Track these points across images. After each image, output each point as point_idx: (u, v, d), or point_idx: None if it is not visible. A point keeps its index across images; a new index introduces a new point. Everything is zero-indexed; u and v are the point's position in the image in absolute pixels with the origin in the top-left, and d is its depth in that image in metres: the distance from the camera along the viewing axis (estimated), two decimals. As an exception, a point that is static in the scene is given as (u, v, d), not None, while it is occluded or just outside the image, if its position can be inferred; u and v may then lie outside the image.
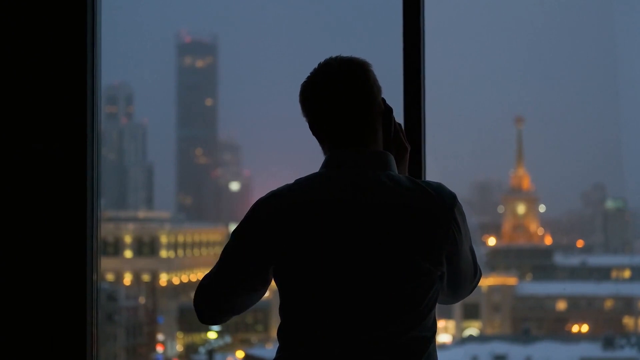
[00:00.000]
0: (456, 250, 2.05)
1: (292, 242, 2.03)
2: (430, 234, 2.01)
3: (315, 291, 2.01)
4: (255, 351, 45.90)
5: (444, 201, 2.04)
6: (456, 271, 2.08)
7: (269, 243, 2.05)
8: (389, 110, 2.15)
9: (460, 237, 2.05)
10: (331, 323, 1.99)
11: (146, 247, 56.75)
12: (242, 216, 2.13)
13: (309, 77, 2.12)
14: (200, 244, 59.08)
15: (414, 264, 2.00)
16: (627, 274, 59.10)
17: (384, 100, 2.14)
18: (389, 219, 2.00)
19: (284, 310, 2.05)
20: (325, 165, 2.10)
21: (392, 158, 2.10)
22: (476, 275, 2.16)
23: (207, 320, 2.15)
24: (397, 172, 2.10)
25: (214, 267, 2.12)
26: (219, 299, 2.11)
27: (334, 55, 2.14)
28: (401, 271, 1.99)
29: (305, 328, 2.02)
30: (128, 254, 56.41)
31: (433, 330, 2.04)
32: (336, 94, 2.08)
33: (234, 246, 2.09)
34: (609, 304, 55.99)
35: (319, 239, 2.01)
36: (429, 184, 2.07)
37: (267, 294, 2.18)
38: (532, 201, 71.05)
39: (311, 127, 2.13)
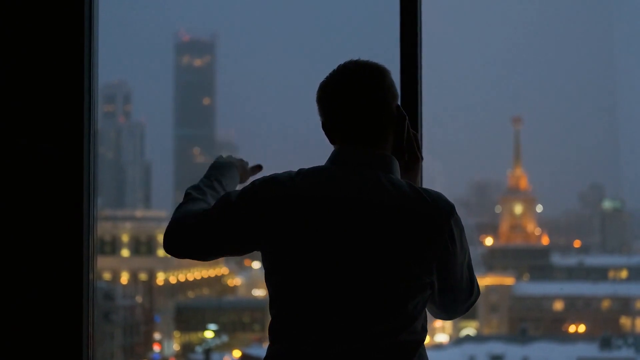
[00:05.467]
0: (448, 261, 2.05)
1: (283, 237, 2.04)
2: (423, 240, 2.02)
3: (307, 288, 2.02)
4: (252, 350, 45.90)
5: (440, 209, 2.04)
6: (448, 284, 2.07)
7: (260, 230, 2.06)
8: (402, 117, 2.15)
9: (455, 249, 2.05)
10: (323, 320, 2.00)
11: (143, 246, 56.77)
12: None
13: (326, 78, 2.15)
14: (197, 243, 58.94)
15: (404, 267, 2.00)
16: (624, 274, 59.21)
17: (398, 107, 2.15)
18: (384, 220, 2.01)
19: (275, 306, 2.06)
20: (330, 160, 2.12)
21: (396, 163, 2.11)
22: (472, 295, 2.14)
23: (171, 254, 2.17)
24: (399, 178, 2.10)
25: (200, 221, 2.12)
26: (193, 249, 2.15)
27: (354, 58, 2.16)
28: (392, 273, 2.00)
29: (297, 325, 2.02)
30: (125, 252, 56.44)
31: (422, 336, 2.04)
32: (349, 96, 2.10)
33: (225, 218, 2.09)
34: (606, 304, 56.09)
35: (313, 235, 2.02)
36: (428, 191, 2.07)
37: (263, 294, 2.20)
38: (529, 201, 71.15)
39: (323, 126, 2.16)
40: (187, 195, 2.23)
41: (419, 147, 2.23)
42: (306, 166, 2.11)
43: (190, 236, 2.14)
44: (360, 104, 2.10)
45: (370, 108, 2.10)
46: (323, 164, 2.13)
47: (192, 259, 2.18)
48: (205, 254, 2.15)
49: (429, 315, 2.13)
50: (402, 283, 2.00)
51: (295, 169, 2.11)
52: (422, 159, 2.23)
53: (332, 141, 2.15)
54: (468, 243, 2.13)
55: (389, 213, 2.01)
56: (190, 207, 2.17)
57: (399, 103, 2.16)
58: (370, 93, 2.11)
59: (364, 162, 2.08)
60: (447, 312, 2.15)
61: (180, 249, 2.16)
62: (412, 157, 2.20)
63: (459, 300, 2.12)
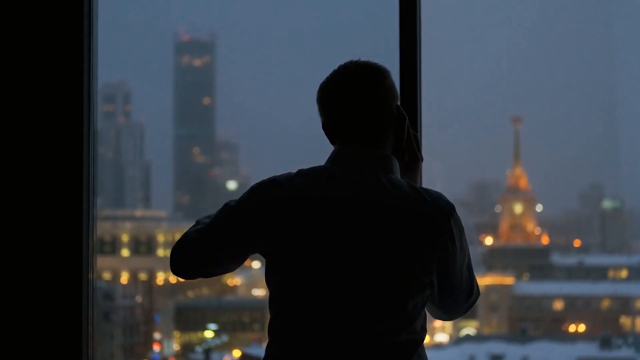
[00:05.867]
0: (448, 261, 2.05)
1: (282, 237, 2.04)
2: (423, 240, 2.02)
3: (307, 288, 2.02)
4: (252, 350, 45.89)
5: (440, 210, 2.04)
6: (448, 285, 2.08)
7: (258, 238, 2.06)
8: (402, 117, 2.16)
9: (454, 249, 2.05)
10: (323, 320, 2.00)
11: (143, 246, 56.77)
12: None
13: (327, 78, 2.16)
14: (197, 243, 58.93)
15: (404, 267, 2.00)
16: (624, 273, 59.20)
17: (398, 107, 2.16)
18: (384, 220, 2.01)
19: (275, 305, 2.06)
20: (330, 160, 2.12)
21: (396, 163, 2.12)
22: (471, 295, 2.15)
23: (177, 274, 2.18)
24: (399, 178, 2.10)
25: (202, 231, 2.13)
26: (196, 261, 2.15)
27: (354, 59, 2.17)
28: (392, 273, 2.00)
29: (296, 325, 2.03)
30: (125, 252, 56.44)
31: (422, 336, 2.05)
32: (349, 96, 2.11)
33: (221, 230, 2.11)
34: (606, 303, 56.07)
35: (310, 236, 2.02)
36: (428, 191, 2.07)
37: (263, 294, 2.19)
38: (529, 201, 71.12)
39: (324, 127, 2.16)
40: (196, 222, 2.24)
41: (419, 148, 2.23)
42: (306, 166, 2.11)
43: (193, 248, 2.14)
44: (360, 104, 2.10)
45: (371, 108, 2.11)
46: (323, 164, 2.13)
47: (196, 274, 2.17)
48: (207, 265, 2.15)
49: (428, 315, 2.14)
50: (402, 283, 2.00)
51: (295, 169, 2.11)
52: (422, 159, 2.24)
53: (332, 141, 2.16)
54: (468, 243, 2.13)
55: (389, 213, 2.01)
56: (196, 227, 2.18)
57: (399, 103, 2.17)
58: (371, 93, 2.11)
59: (364, 162, 2.08)
60: (446, 313, 2.15)
61: (184, 265, 2.16)
62: (412, 157, 2.20)
63: (458, 300, 2.13)
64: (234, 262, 2.15)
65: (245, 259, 2.14)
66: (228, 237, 2.10)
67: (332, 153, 2.13)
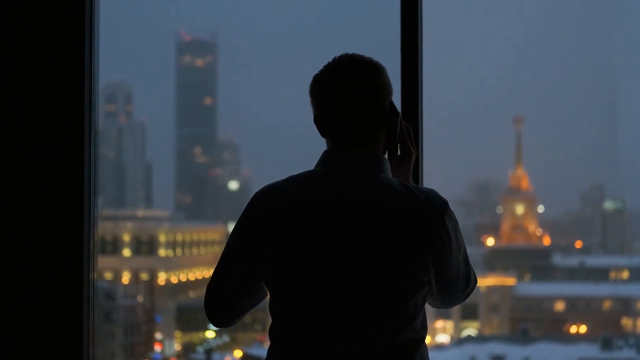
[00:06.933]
0: (445, 257, 2.05)
1: (283, 241, 2.04)
2: (418, 238, 2.02)
3: (306, 289, 2.02)
4: (253, 350, 45.89)
5: (433, 207, 2.04)
6: (446, 279, 2.08)
7: (262, 242, 2.06)
8: (395, 113, 2.16)
9: (450, 245, 2.05)
10: (323, 321, 2.00)
11: (145, 246, 56.76)
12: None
13: (320, 71, 2.15)
14: (198, 243, 59.12)
15: (401, 266, 2.01)
16: (625, 274, 59.17)
17: (391, 103, 2.15)
18: (378, 220, 2.01)
19: (275, 307, 2.06)
20: (320, 162, 2.12)
21: (387, 161, 2.12)
22: (469, 285, 2.16)
23: (217, 324, 2.16)
24: (390, 176, 2.11)
25: (216, 270, 2.13)
26: (224, 302, 2.14)
27: (349, 52, 2.16)
28: (390, 272, 2.00)
29: (296, 326, 2.03)
30: (126, 252, 56.42)
31: (422, 334, 2.05)
32: (342, 91, 2.10)
33: (233, 247, 2.11)
34: (607, 304, 56.04)
35: (309, 238, 2.03)
36: (421, 189, 2.07)
37: (264, 293, 2.18)
38: (530, 201, 71.09)
39: (315, 120, 2.16)
40: None
41: (412, 141, 2.23)
42: (307, 167, 2.12)
43: (215, 281, 2.12)
44: (354, 96, 2.09)
45: (364, 103, 2.10)
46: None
47: (229, 311, 2.14)
48: (232, 294, 2.12)
49: (429, 315, 2.14)
50: (400, 282, 2.01)
51: (296, 169, 2.12)
52: (415, 151, 2.24)
53: (323, 134, 2.15)
54: (467, 243, 2.14)
55: (386, 213, 2.02)
56: None
57: (394, 100, 2.16)
58: (365, 87, 2.10)
59: (355, 161, 2.08)
60: (445, 303, 2.16)
61: (215, 303, 2.13)
62: (405, 151, 2.21)
63: (457, 291, 2.14)
64: (251, 282, 2.11)
65: (260, 277, 2.09)
66: (237, 248, 2.09)
67: (322, 155, 2.13)
